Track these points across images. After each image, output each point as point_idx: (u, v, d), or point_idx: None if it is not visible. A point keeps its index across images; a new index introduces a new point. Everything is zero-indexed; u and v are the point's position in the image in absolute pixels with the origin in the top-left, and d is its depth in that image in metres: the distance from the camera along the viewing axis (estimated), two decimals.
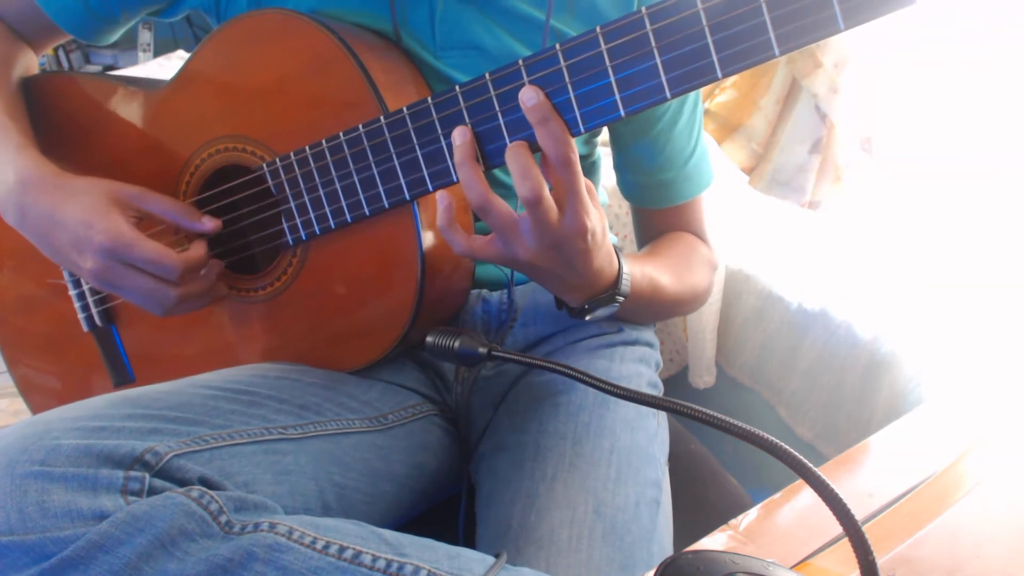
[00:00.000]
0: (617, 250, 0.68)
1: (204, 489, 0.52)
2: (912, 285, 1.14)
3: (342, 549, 0.51)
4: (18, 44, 0.80)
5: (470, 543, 0.69)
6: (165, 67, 1.96)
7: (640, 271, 0.70)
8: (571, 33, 0.73)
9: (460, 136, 0.59)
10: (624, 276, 0.67)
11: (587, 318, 0.67)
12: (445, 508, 0.78)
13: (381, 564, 0.51)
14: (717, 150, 1.26)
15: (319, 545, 0.51)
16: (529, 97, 0.56)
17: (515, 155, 0.57)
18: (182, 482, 0.53)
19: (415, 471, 0.73)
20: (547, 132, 0.55)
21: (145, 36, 2.75)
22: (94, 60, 3.03)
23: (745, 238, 1.38)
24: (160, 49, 2.69)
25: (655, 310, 0.80)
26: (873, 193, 1.19)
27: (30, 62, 0.82)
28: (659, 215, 0.86)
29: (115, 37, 0.82)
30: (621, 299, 0.67)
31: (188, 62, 0.72)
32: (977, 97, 1.02)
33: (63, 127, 0.78)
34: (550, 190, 0.57)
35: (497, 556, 0.55)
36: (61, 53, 2.84)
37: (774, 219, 1.35)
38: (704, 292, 0.84)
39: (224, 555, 0.49)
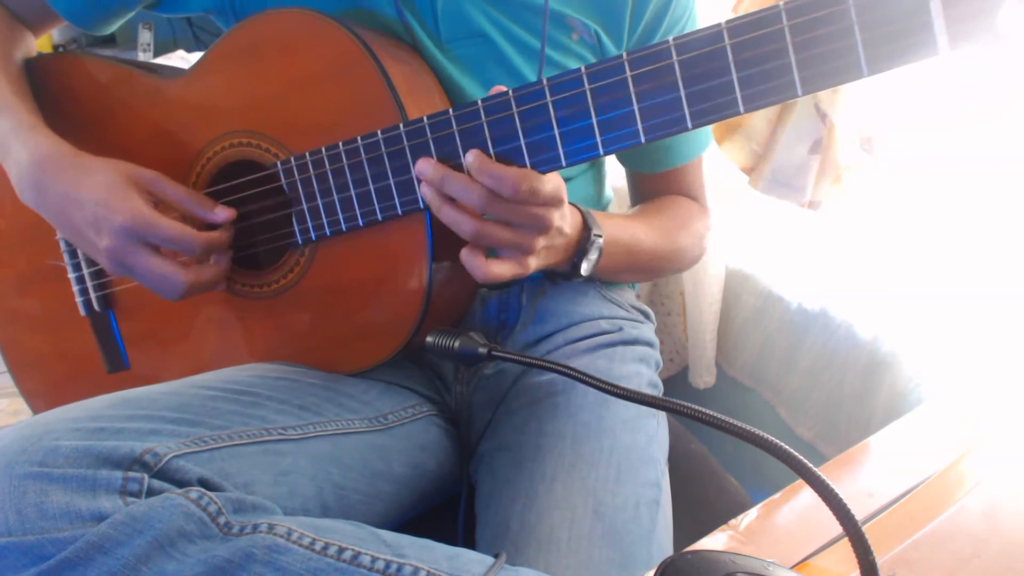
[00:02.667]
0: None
1: (203, 490, 0.51)
2: (912, 285, 1.14)
3: (341, 550, 0.51)
4: (18, 27, 0.80)
5: (469, 543, 0.69)
6: None
7: (610, 220, 0.72)
8: (567, 12, 0.73)
9: (427, 191, 0.61)
10: (586, 215, 0.69)
11: (584, 271, 0.69)
12: (445, 508, 0.78)
13: (380, 565, 0.51)
14: (717, 150, 1.26)
15: (318, 546, 0.51)
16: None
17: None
18: (181, 483, 0.53)
19: (414, 471, 0.73)
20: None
21: (145, 36, 2.75)
22: None
23: (745, 238, 1.38)
24: (160, 49, 2.68)
25: (636, 262, 0.80)
26: (873, 193, 1.19)
27: (30, 44, 0.81)
28: (656, 179, 0.86)
29: (112, 28, 0.81)
30: (599, 236, 0.69)
31: (208, 53, 0.72)
32: (977, 97, 1.02)
33: (70, 109, 0.78)
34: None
35: (496, 556, 0.55)
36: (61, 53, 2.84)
37: (774, 219, 1.35)
38: (690, 250, 0.85)
39: (223, 556, 0.49)
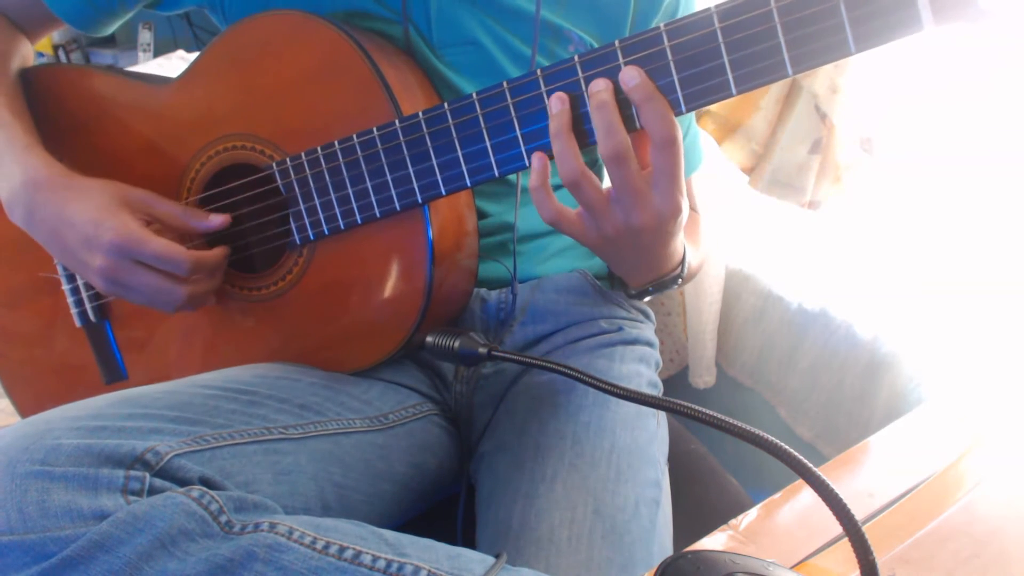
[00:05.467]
0: None
1: (204, 489, 0.52)
2: (912, 285, 1.14)
3: (342, 549, 0.51)
4: (16, 36, 0.80)
5: (469, 543, 0.69)
6: (165, 67, 1.96)
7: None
8: (563, 24, 0.73)
9: (558, 103, 0.56)
10: (687, 260, 0.68)
11: (645, 300, 0.68)
12: (445, 508, 0.78)
13: (381, 564, 0.51)
14: (717, 150, 1.26)
15: (319, 545, 0.51)
16: (631, 77, 0.54)
17: (601, 111, 0.55)
18: (182, 482, 0.53)
19: (415, 471, 0.73)
20: (652, 110, 0.54)
21: (145, 36, 2.75)
22: (94, 60, 3.03)
23: (745, 238, 1.38)
24: (160, 49, 2.69)
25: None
26: (873, 193, 1.19)
27: (27, 53, 0.81)
28: None
29: (112, 28, 0.82)
30: (679, 283, 0.68)
31: (199, 58, 0.72)
32: (977, 97, 1.02)
33: (64, 119, 0.78)
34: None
35: (497, 556, 0.55)
36: (61, 53, 2.84)
37: (774, 219, 1.35)
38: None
39: (224, 555, 0.49)
